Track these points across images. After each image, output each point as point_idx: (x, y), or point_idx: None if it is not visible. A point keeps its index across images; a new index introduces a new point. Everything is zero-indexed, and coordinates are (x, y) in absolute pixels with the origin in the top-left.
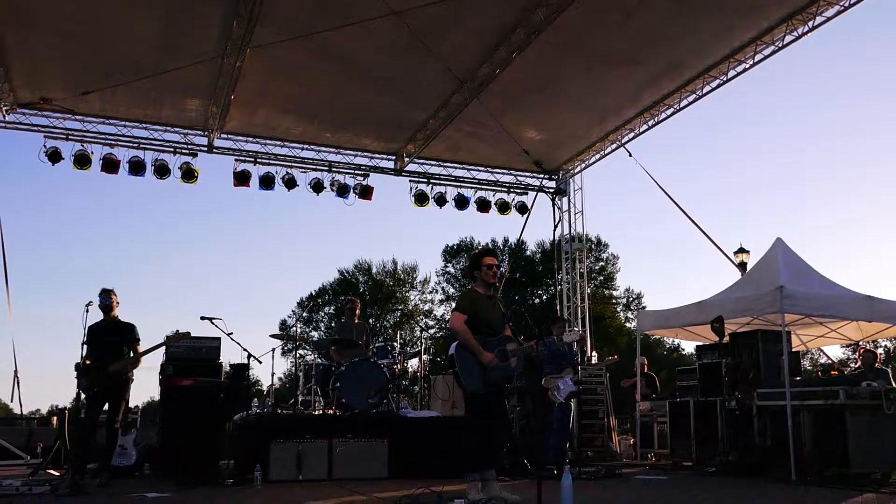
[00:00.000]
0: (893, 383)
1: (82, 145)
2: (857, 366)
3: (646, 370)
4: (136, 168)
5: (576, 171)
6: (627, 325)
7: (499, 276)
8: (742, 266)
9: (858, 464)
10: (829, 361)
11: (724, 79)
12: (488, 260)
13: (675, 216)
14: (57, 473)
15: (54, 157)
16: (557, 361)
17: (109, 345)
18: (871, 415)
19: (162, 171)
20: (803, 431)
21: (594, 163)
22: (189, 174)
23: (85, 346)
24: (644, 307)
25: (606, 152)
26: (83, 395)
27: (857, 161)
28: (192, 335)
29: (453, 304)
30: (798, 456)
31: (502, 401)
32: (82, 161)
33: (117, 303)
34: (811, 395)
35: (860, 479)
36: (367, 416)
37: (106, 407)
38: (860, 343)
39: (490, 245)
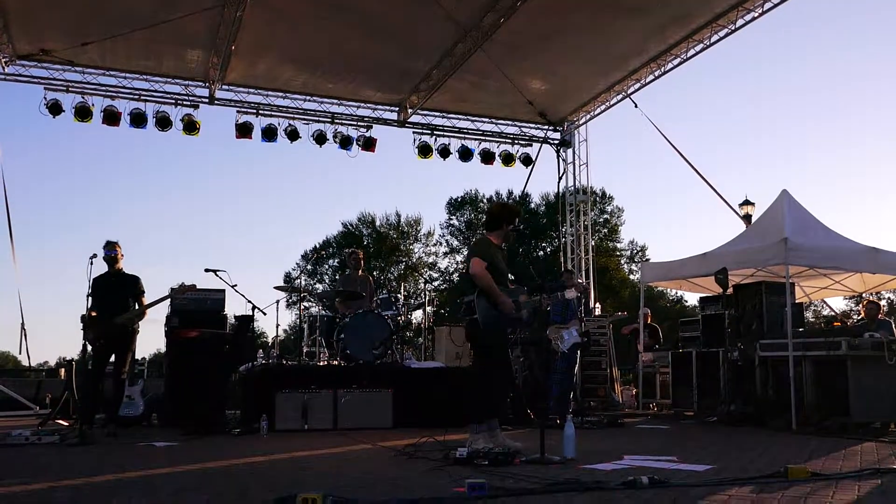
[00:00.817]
0: None
1: (83, 97)
2: (860, 317)
3: (649, 321)
4: (138, 120)
5: (581, 122)
6: (631, 277)
7: None
8: (747, 218)
9: (859, 414)
10: (832, 313)
11: (733, 28)
12: (517, 222)
13: (681, 169)
14: (66, 424)
15: (55, 109)
16: (563, 312)
17: (114, 297)
18: (872, 366)
19: (163, 123)
20: (805, 382)
21: (599, 114)
22: (191, 126)
23: (90, 299)
24: (648, 259)
25: (612, 103)
26: (90, 347)
27: (866, 109)
28: (196, 287)
29: (460, 255)
30: (799, 406)
31: (507, 351)
32: (83, 113)
33: (122, 255)
34: (813, 346)
35: (860, 429)
36: (371, 367)
37: (112, 358)
38: (863, 295)
39: (494, 198)
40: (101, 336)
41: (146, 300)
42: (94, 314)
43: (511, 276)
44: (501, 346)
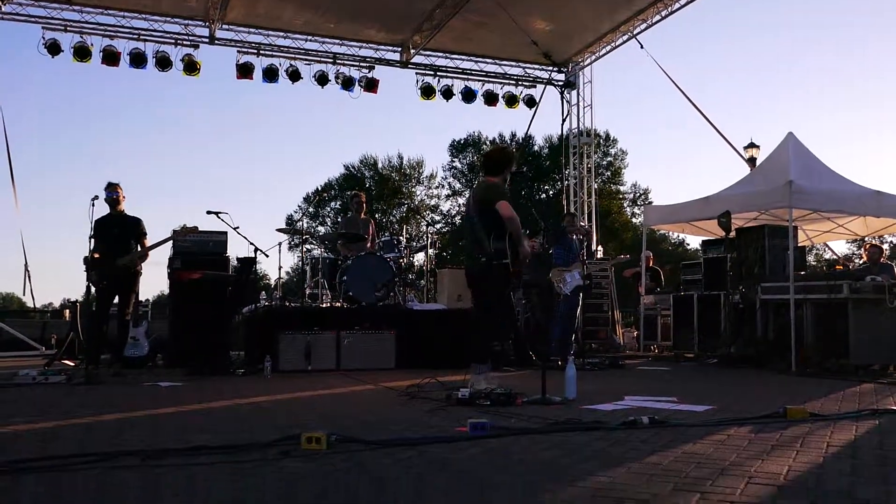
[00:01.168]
0: None
1: (81, 37)
2: (861, 261)
3: (650, 265)
4: (137, 60)
5: (586, 63)
6: (634, 220)
7: None
8: (752, 161)
9: (858, 356)
10: (834, 257)
11: None
12: (514, 168)
13: (686, 111)
14: (71, 364)
15: (53, 48)
16: (565, 255)
17: (116, 238)
18: (872, 309)
19: (163, 63)
20: (805, 325)
21: (605, 55)
22: (191, 66)
23: (92, 240)
24: (651, 202)
25: (617, 44)
26: (93, 289)
27: (877, 50)
28: (198, 229)
29: (462, 197)
30: (799, 348)
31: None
32: (82, 53)
33: (123, 197)
34: (815, 290)
35: (859, 371)
36: (374, 309)
37: (116, 300)
38: (866, 239)
39: (498, 140)
40: (104, 277)
41: (148, 242)
42: (96, 256)
43: None
44: (509, 290)
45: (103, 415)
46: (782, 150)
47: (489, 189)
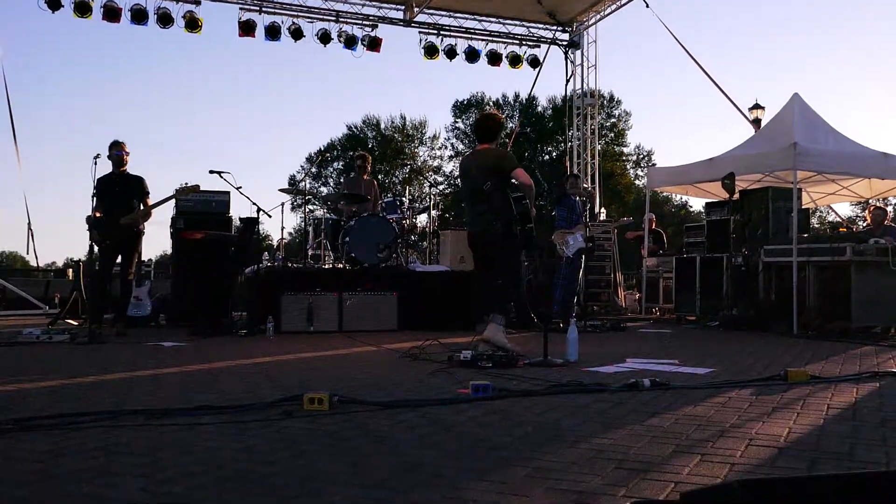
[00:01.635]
0: None
1: None
2: (865, 224)
3: (653, 227)
4: (138, 16)
5: (590, 22)
6: (637, 182)
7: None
8: (756, 122)
9: (860, 318)
10: (838, 219)
11: None
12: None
13: (691, 72)
14: (75, 323)
15: (54, 4)
16: (568, 217)
17: (119, 197)
18: (875, 271)
19: (165, 19)
20: (808, 287)
21: (609, 14)
22: (192, 23)
23: (94, 199)
24: (654, 164)
25: (623, 3)
26: (96, 248)
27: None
28: (200, 188)
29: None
30: (801, 311)
31: None
32: (83, 8)
33: (128, 155)
34: (818, 252)
35: (861, 334)
36: (376, 270)
37: (119, 259)
38: (870, 201)
39: (500, 101)
40: (107, 237)
41: (150, 201)
42: (98, 215)
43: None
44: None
45: (107, 374)
46: (787, 112)
47: (504, 157)
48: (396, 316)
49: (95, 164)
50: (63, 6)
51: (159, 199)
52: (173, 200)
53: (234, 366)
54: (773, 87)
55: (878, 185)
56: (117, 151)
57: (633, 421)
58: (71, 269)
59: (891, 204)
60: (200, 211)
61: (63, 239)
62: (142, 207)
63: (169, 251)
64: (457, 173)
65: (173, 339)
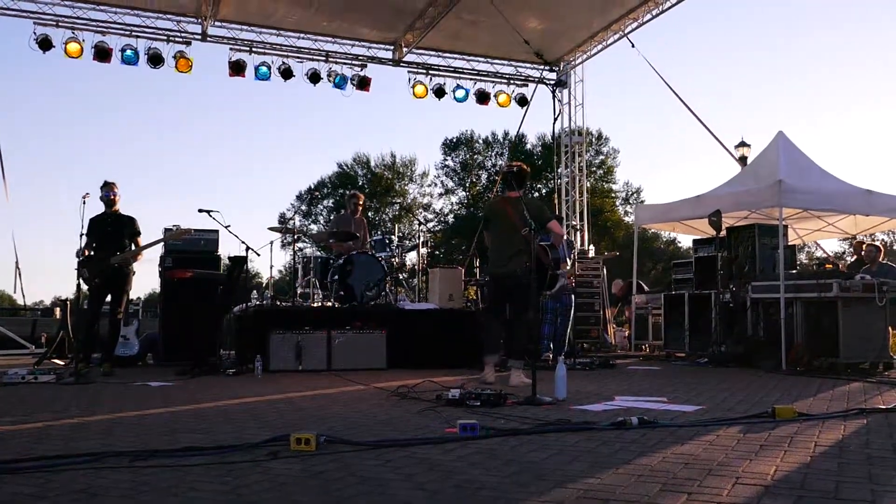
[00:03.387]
0: None
1: (73, 32)
2: (853, 259)
3: (619, 291)
4: (129, 57)
5: (577, 62)
6: (626, 218)
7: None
8: (743, 160)
9: (848, 354)
10: (825, 255)
11: None
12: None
13: (678, 110)
14: (61, 363)
15: (45, 44)
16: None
17: (110, 237)
18: (862, 307)
19: (155, 60)
20: (796, 323)
21: (596, 54)
22: (183, 64)
23: (84, 238)
24: (642, 201)
25: (608, 43)
26: (84, 286)
27: (867, 50)
28: (192, 232)
29: (455, 196)
30: (789, 347)
31: None
32: (74, 49)
33: (119, 196)
34: (805, 288)
35: (849, 369)
36: (365, 309)
37: (108, 298)
38: (857, 237)
39: (490, 139)
40: (97, 276)
41: (141, 241)
42: (88, 253)
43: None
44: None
45: (92, 415)
46: (772, 149)
47: (543, 208)
48: (385, 354)
49: (84, 202)
50: (54, 46)
51: (150, 242)
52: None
53: (222, 406)
54: (759, 125)
55: (863, 221)
56: (106, 192)
57: (621, 460)
58: (58, 308)
59: (877, 240)
60: (189, 250)
61: (51, 277)
62: (132, 247)
63: (157, 290)
64: (446, 210)
65: (161, 378)
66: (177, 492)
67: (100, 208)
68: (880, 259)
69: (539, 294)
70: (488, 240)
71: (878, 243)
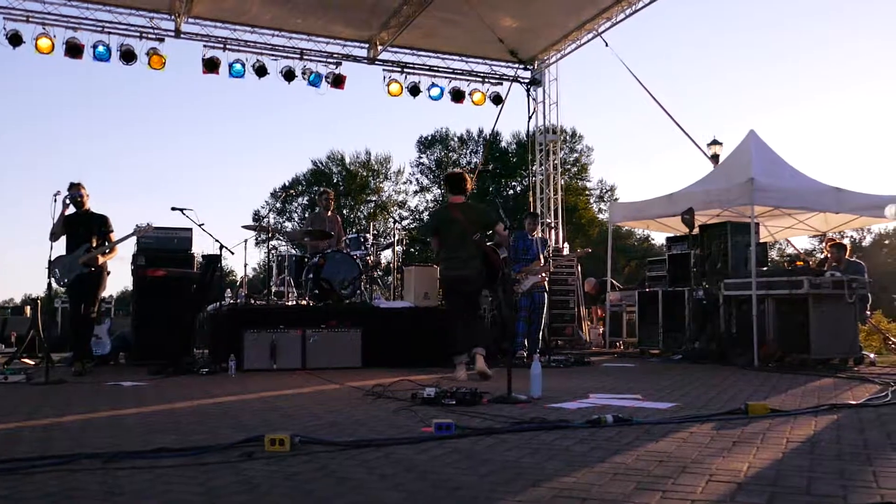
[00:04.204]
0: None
1: (44, 28)
2: (822, 256)
3: (592, 290)
4: (101, 53)
5: (551, 61)
6: (600, 216)
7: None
8: (715, 158)
9: (819, 351)
10: (796, 252)
11: None
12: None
13: (651, 109)
14: (32, 363)
15: (15, 39)
16: (525, 255)
17: (82, 236)
18: (832, 304)
19: (128, 56)
20: (767, 320)
21: (570, 53)
22: (156, 61)
23: (56, 238)
24: (617, 199)
25: (583, 42)
26: (55, 286)
27: (836, 49)
28: (155, 227)
29: (431, 194)
30: (761, 343)
31: None
32: (44, 45)
33: (87, 195)
34: (776, 285)
35: (820, 365)
36: (340, 307)
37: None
38: (827, 234)
39: (465, 136)
40: (68, 275)
41: (115, 238)
42: (60, 255)
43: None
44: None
45: (64, 416)
46: (744, 148)
47: (490, 212)
48: (361, 353)
49: (55, 200)
50: (24, 42)
51: (120, 237)
52: (134, 238)
53: (195, 405)
54: (731, 123)
55: (833, 218)
56: (73, 193)
57: (596, 458)
58: (29, 307)
59: (847, 236)
60: (162, 248)
61: (21, 275)
62: (94, 245)
63: (130, 288)
64: (422, 208)
65: (133, 378)
66: (151, 494)
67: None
68: (846, 257)
69: (493, 292)
70: (437, 244)
71: (844, 241)
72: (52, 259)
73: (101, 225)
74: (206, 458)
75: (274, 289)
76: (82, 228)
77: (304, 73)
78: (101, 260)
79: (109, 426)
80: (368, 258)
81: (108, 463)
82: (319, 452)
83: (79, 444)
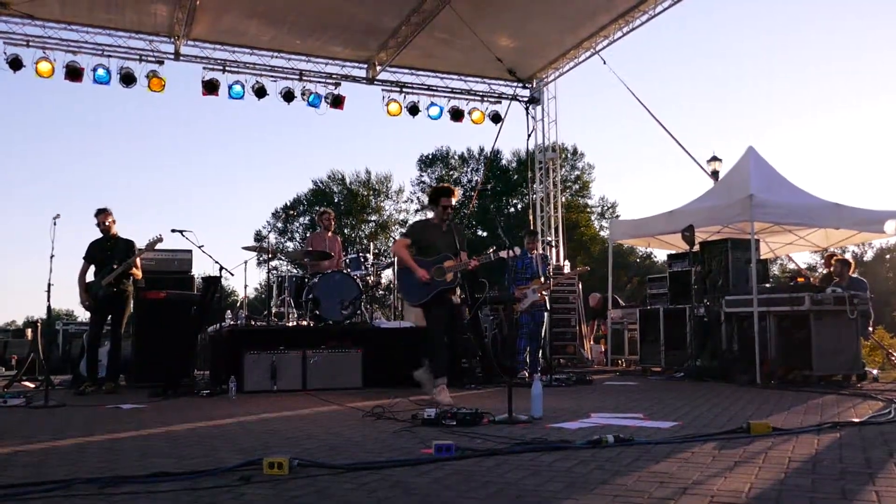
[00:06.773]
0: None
1: (44, 52)
2: (824, 271)
3: (597, 304)
4: (101, 76)
5: (549, 79)
6: (601, 233)
7: (451, 214)
8: (715, 175)
9: (821, 367)
10: (796, 268)
11: None
12: (444, 201)
13: (650, 126)
14: (32, 385)
15: (15, 64)
16: (525, 273)
17: (106, 261)
18: (834, 320)
19: (128, 79)
20: (769, 337)
21: (568, 71)
22: (156, 83)
23: (83, 261)
24: (618, 216)
25: (580, 60)
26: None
27: (835, 66)
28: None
29: (432, 213)
30: (763, 360)
31: (435, 312)
32: (45, 69)
33: (113, 221)
34: (777, 302)
35: (822, 382)
36: (340, 327)
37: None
38: (828, 249)
39: (465, 154)
40: (92, 299)
41: (139, 262)
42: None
43: (465, 250)
44: (428, 309)
45: (62, 440)
46: (743, 164)
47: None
48: (361, 373)
49: (55, 223)
50: (25, 66)
51: (131, 258)
52: (139, 255)
53: (195, 428)
54: (731, 139)
55: (833, 234)
56: (98, 221)
57: (597, 479)
58: (30, 330)
59: (848, 251)
60: (162, 270)
61: (21, 298)
62: (115, 268)
63: (130, 310)
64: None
65: (133, 400)
66: None
67: (87, 233)
68: (850, 273)
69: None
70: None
71: (847, 257)
72: (87, 284)
73: (126, 249)
74: (204, 482)
75: (274, 310)
76: (109, 253)
77: (303, 94)
78: (122, 280)
79: (108, 450)
80: (368, 278)
81: (104, 488)
82: (318, 475)
83: (76, 468)
